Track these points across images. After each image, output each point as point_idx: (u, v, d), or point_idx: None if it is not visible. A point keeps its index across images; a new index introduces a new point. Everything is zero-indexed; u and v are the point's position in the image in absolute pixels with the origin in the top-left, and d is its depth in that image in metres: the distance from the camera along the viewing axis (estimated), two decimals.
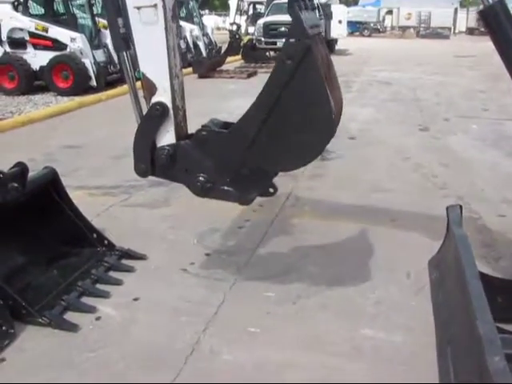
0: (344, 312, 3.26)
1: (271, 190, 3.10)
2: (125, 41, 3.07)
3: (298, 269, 3.78)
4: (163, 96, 2.99)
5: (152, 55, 2.93)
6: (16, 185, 3.43)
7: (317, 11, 21.56)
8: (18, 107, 10.70)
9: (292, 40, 2.64)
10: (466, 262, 3.00)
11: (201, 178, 3.07)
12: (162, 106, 2.99)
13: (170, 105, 3.00)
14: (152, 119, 3.06)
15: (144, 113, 3.17)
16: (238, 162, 3.01)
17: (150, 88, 3.00)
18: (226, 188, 3.09)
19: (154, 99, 3.01)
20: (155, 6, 2.82)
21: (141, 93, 3.25)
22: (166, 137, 3.07)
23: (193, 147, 3.04)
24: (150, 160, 3.15)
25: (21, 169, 3.50)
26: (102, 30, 13.27)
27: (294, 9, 2.60)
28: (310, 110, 2.76)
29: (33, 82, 12.47)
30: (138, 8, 2.84)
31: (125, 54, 3.11)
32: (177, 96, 3.03)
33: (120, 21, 3.05)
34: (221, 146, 3.01)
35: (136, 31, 2.92)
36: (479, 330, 2.37)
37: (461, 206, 3.80)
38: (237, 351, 2.87)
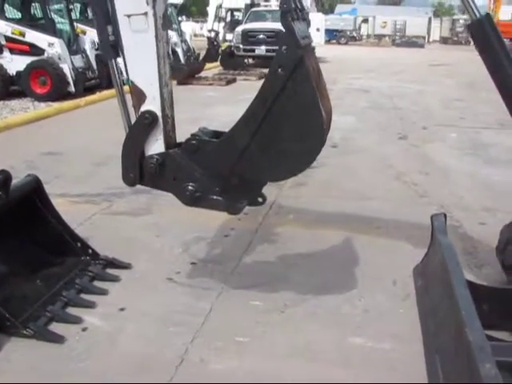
0: (332, 320, 3.27)
1: (260, 199, 3.10)
2: (113, 48, 3.04)
3: (284, 277, 3.78)
4: (152, 104, 2.97)
5: (142, 63, 2.91)
6: None
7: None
8: None
9: (284, 50, 2.64)
10: (453, 270, 3.03)
11: (190, 187, 3.05)
12: (151, 114, 2.97)
13: (159, 113, 2.98)
14: (141, 128, 3.04)
15: (132, 121, 3.15)
16: (227, 172, 3.00)
17: (139, 96, 2.98)
18: (215, 197, 3.08)
19: (144, 107, 2.99)
20: (145, 14, 2.80)
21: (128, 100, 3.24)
22: (155, 145, 3.05)
23: (182, 156, 3.03)
24: (138, 169, 3.12)
25: (4, 177, 3.43)
26: (80, 35, 13.19)
27: (287, 19, 2.61)
28: (301, 120, 2.77)
29: (9, 88, 12.29)
30: (129, 16, 2.82)
31: (113, 61, 3.08)
32: (166, 104, 3.01)
33: (109, 28, 3.02)
34: (211, 156, 3.00)
35: (126, 39, 2.90)
36: (469, 337, 2.40)
37: (445, 215, 3.86)
38: (226, 360, 2.86)
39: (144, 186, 3.34)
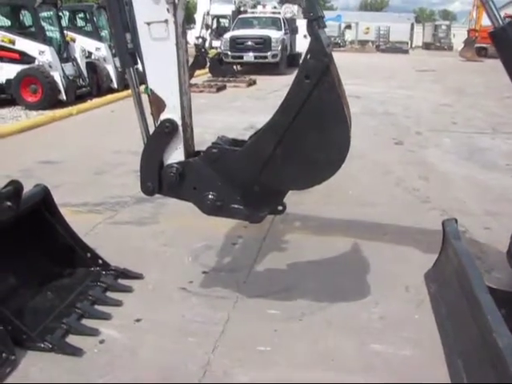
0: (350, 328, 3.26)
1: (280, 207, 3.09)
2: (132, 56, 3.01)
3: (297, 285, 3.76)
4: (172, 113, 2.94)
5: (162, 71, 2.89)
6: (10, 204, 3.31)
7: (282, 26, 21.84)
8: None
9: (310, 58, 2.64)
10: (472, 274, 3.05)
11: (210, 197, 3.02)
12: (171, 123, 2.94)
13: (179, 122, 2.96)
14: (160, 136, 3.01)
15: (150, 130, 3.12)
16: (249, 180, 2.98)
17: (159, 105, 2.95)
18: (236, 206, 3.06)
19: (163, 116, 2.96)
20: (166, 21, 2.78)
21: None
22: (175, 154, 3.02)
23: (202, 165, 3.00)
24: (157, 178, 3.09)
25: (15, 187, 3.38)
26: (71, 42, 13.11)
27: (314, 28, 2.60)
28: (327, 128, 2.76)
29: None
30: (148, 24, 2.80)
31: (131, 69, 3.05)
32: (186, 113, 2.99)
33: (128, 36, 2.99)
34: (233, 164, 2.97)
35: (145, 47, 2.87)
36: (498, 342, 2.41)
37: (456, 220, 3.88)
38: (251, 371, 2.83)
39: (163, 196, 3.30)
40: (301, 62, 2.76)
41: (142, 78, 3.03)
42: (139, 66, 3.05)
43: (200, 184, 3.05)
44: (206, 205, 3.06)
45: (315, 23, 2.61)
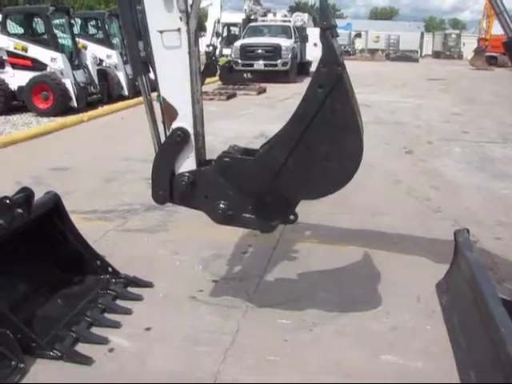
0: (361, 338, 3.23)
1: (292, 217, 3.07)
2: (144, 65, 3.02)
3: (308, 295, 3.74)
4: (184, 121, 2.94)
5: (174, 80, 2.89)
6: (21, 211, 3.32)
7: (292, 34, 21.89)
8: None
9: (323, 68, 2.63)
10: (485, 286, 3.02)
11: (222, 206, 3.01)
12: (183, 131, 2.94)
13: (191, 130, 2.95)
14: (172, 145, 3.01)
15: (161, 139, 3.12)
16: (261, 190, 2.97)
17: (171, 113, 2.95)
18: (247, 216, 3.04)
19: (175, 124, 2.96)
20: (179, 30, 2.78)
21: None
22: (186, 163, 3.01)
23: (214, 174, 2.99)
24: (169, 187, 3.08)
25: (26, 195, 3.39)
26: (82, 50, 13.21)
27: (327, 37, 2.60)
28: (340, 138, 2.75)
29: (11, 102, 12.27)
30: (161, 32, 2.81)
31: (144, 77, 3.06)
32: (198, 121, 2.99)
33: (140, 44, 3.00)
34: (244, 173, 2.96)
35: (158, 55, 2.88)
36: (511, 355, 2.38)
37: (468, 230, 3.85)
38: (261, 381, 2.81)
39: (174, 204, 3.29)
40: (314, 71, 2.75)
41: (154, 86, 3.04)
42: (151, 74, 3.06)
43: (211, 193, 3.04)
44: (218, 214, 3.05)
45: (328, 32, 2.60)
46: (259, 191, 2.98)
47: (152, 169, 3.13)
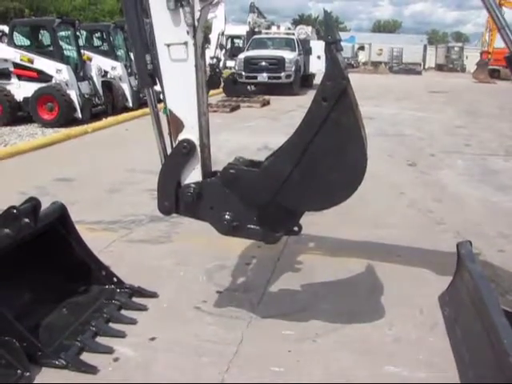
0: (365, 349, 3.24)
1: (296, 228, 3.10)
2: (151, 77, 3.06)
3: (311, 306, 3.76)
4: (191, 133, 2.99)
5: (181, 92, 2.94)
6: (28, 221, 3.35)
7: (296, 47, 22.02)
8: (3, 138, 10.59)
9: (328, 81, 2.67)
10: (488, 298, 3.03)
11: (227, 217, 3.05)
12: (189, 143, 2.98)
13: (197, 142, 3.00)
14: (179, 157, 3.05)
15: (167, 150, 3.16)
16: (266, 201, 3.00)
17: (177, 125, 2.99)
18: (252, 227, 3.08)
19: (181, 136, 3.00)
20: (186, 43, 2.83)
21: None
22: (192, 174, 3.06)
23: (220, 185, 3.03)
24: (174, 198, 3.12)
25: (33, 204, 3.42)
26: (87, 61, 13.31)
27: (332, 51, 2.64)
28: (344, 151, 2.79)
29: (16, 113, 12.37)
30: (168, 45, 2.86)
31: (150, 90, 3.10)
32: (204, 133, 3.03)
33: (148, 57, 3.05)
34: (250, 185, 3.00)
35: (165, 68, 2.93)
36: None
37: (470, 242, 3.87)
38: None
39: (180, 215, 3.32)
40: (318, 83, 2.79)
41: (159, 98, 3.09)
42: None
43: (217, 204, 3.07)
44: (223, 225, 3.08)
45: (333, 46, 2.65)
46: (264, 203, 3.01)
47: (158, 180, 3.17)
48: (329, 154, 2.81)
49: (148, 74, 3.05)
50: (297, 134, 2.85)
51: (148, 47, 3.01)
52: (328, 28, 2.71)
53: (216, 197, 3.06)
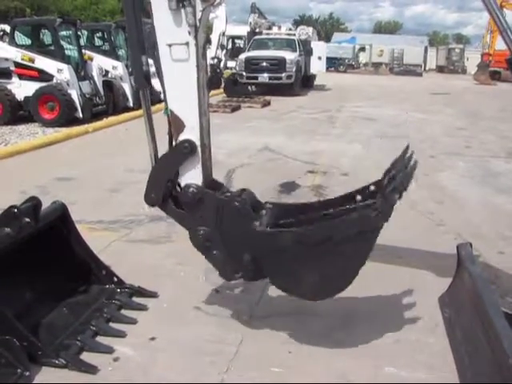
0: (364, 350, 3.24)
1: (256, 280, 3.27)
2: (146, 79, 3.08)
3: (311, 307, 3.73)
4: (191, 134, 2.99)
5: (182, 92, 2.94)
6: (29, 220, 3.36)
7: (297, 47, 22.02)
8: (3, 137, 10.59)
9: (373, 214, 2.87)
10: (488, 300, 3.03)
11: (202, 232, 3.12)
12: (190, 143, 2.98)
13: (197, 142, 3.00)
14: (179, 156, 3.05)
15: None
16: (246, 250, 3.07)
17: (178, 125, 3.00)
18: (218, 255, 3.17)
19: (182, 137, 3.01)
20: (187, 43, 2.83)
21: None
22: (193, 174, 3.06)
23: (220, 207, 3.07)
24: (162, 193, 3.16)
25: (33, 204, 3.43)
26: (88, 61, 13.32)
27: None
28: (349, 260, 2.98)
29: (17, 113, 12.37)
30: (170, 45, 2.86)
31: (145, 91, 3.12)
32: (204, 134, 3.03)
33: (143, 58, 3.06)
34: (246, 232, 3.05)
35: (166, 68, 2.93)
36: None
37: (471, 244, 3.87)
38: None
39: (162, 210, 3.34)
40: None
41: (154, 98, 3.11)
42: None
43: (205, 217, 3.10)
44: (197, 238, 3.16)
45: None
46: (244, 250, 3.09)
47: (151, 172, 3.21)
48: (335, 256, 2.94)
49: (143, 76, 3.06)
50: (320, 226, 2.97)
51: (144, 48, 3.03)
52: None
53: (209, 213, 3.09)
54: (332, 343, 3.32)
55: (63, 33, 13.23)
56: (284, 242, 2.97)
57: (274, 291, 3.98)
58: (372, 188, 3.32)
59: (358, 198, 3.33)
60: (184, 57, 2.86)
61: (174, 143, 3.08)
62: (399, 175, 3.05)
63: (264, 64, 20.27)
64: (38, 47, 12.92)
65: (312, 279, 3.04)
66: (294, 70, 20.40)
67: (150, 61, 3.22)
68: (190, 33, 2.83)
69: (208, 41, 20.88)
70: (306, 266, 3.01)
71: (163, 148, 3.28)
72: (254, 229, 3.03)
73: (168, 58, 2.90)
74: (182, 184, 3.11)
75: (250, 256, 3.08)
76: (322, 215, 3.31)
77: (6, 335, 2.90)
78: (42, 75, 12.27)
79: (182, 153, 3.01)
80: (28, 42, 13.02)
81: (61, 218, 3.80)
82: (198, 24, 2.86)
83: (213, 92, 18.86)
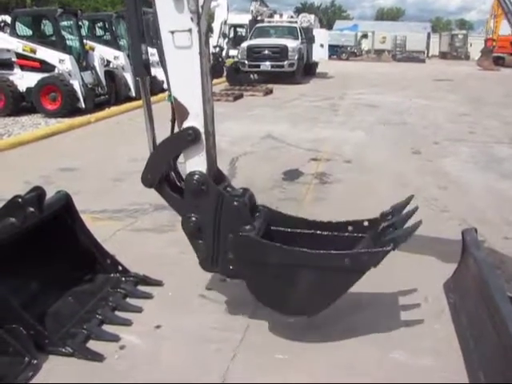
0: (370, 337, 3.25)
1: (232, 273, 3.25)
2: (146, 67, 3.07)
3: None
4: (195, 121, 2.97)
5: (185, 80, 2.92)
6: (33, 210, 3.36)
7: (299, 35, 21.90)
8: (6, 129, 10.58)
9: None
10: (494, 285, 3.03)
11: (194, 219, 3.14)
12: (194, 131, 2.97)
13: (202, 130, 2.99)
14: (181, 141, 3.05)
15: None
16: (231, 250, 3.13)
17: (182, 113, 2.98)
18: (202, 245, 3.20)
19: (186, 124, 2.99)
20: (190, 30, 2.81)
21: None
22: (198, 162, 3.05)
23: (221, 201, 3.10)
24: (159, 175, 3.21)
25: (37, 193, 3.43)
26: (90, 51, 13.28)
27: None
28: (318, 294, 3.09)
29: (19, 104, 12.35)
30: (172, 32, 2.84)
31: (145, 80, 3.12)
32: (209, 121, 3.02)
33: (143, 47, 3.05)
34: (235, 230, 3.08)
35: (169, 55, 2.91)
36: None
37: (475, 230, 3.86)
38: (270, 379, 2.83)
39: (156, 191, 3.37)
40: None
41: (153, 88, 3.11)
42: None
43: (201, 208, 3.12)
44: (188, 224, 3.18)
45: None
46: (229, 251, 3.14)
47: (151, 154, 3.25)
48: (314, 284, 3.03)
49: (143, 64, 3.05)
50: (310, 258, 2.97)
51: (144, 37, 3.02)
52: None
53: (207, 204, 3.10)
54: (338, 330, 3.32)
55: (64, 23, 13.16)
56: (267, 254, 3.03)
57: None
58: (365, 223, 3.41)
59: (350, 228, 3.44)
60: (187, 44, 2.84)
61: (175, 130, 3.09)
62: (400, 227, 3.22)
63: (266, 52, 20.17)
64: (40, 38, 12.86)
65: (284, 295, 3.12)
66: (296, 57, 20.30)
67: (151, 50, 3.22)
68: (192, 19, 2.81)
69: (210, 29, 20.80)
70: (281, 281, 3.06)
71: (163, 136, 3.29)
72: (243, 232, 3.08)
73: (171, 45, 2.87)
74: (187, 171, 3.10)
75: (232, 256, 3.14)
76: (311, 234, 3.45)
77: (13, 324, 2.91)
78: (44, 66, 12.22)
79: (185, 140, 3.00)
80: (29, 32, 12.95)
81: (65, 207, 3.80)
82: (200, 10, 2.83)
83: (215, 81, 18.77)
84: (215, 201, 3.10)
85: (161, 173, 3.22)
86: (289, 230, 3.46)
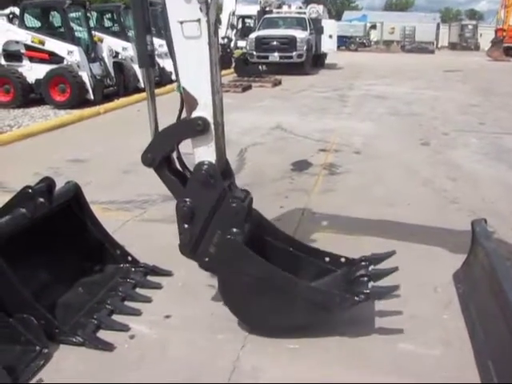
0: (379, 327, 3.25)
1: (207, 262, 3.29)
2: (151, 58, 3.07)
3: None
4: (204, 111, 2.97)
5: (194, 70, 2.91)
6: (43, 200, 3.38)
7: (308, 26, 21.80)
8: (16, 120, 10.62)
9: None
10: (503, 275, 3.02)
11: (189, 204, 3.14)
12: (203, 121, 2.97)
13: (211, 120, 2.98)
14: (190, 131, 3.05)
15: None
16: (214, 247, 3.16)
17: (191, 103, 2.98)
18: (188, 230, 3.20)
19: (195, 114, 2.99)
20: (199, 20, 2.80)
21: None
22: (207, 152, 3.05)
23: (222, 198, 3.12)
24: (160, 157, 3.23)
25: (47, 184, 3.45)
26: (98, 43, 13.29)
27: None
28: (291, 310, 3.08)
29: (29, 95, 12.39)
30: (181, 22, 2.83)
31: (149, 70, 3.13)
32: (218, 111, 3.02)
33: (148, 38, 3.05)
34: (224, 230, 3.11)
35: (178, 46, 2.90)
36: None
37: (485, 220, 3.84)
38: (280, 368, 2.85)
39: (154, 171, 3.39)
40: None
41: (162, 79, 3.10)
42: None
43: (199, 196, 3.13)
44: (182, 208, 3.17)
45: None
46: (212, 247, 3.18)
47: (155, 136, 3.28)
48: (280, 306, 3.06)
49: (147, 55, 3.05)
50: (285, 280, 3.04)
51: (150, 28, 3.02)
52: None
53: (207, 196, 3.12)
54: (347, 319, 3.31)
55: (73, 14, 13.16)
56: (247, 264, 3.05)
57: None
58: (342, 260, 3.51)
59: (327, 259, 3.52)
60: (196, 34, 2.83)
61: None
62: (375, 280, 3.25)
63: (274, 43, 20.11)
64: (48, 29, 12.85)
65: (249, 305, 3.15)
66: (304, 48, 20.22)
67: (160, 41, 3.23)
68: (201, 9, 2.80)
69: (218, 21, 20.78)
70: (251, 292, 3.09)
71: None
72: (231, 234, 3.10)
73: (180, 36, 2.87)
74: (196, 161, 3.10)
75: (213, 251, 3.18)
76: (289, 251, 3.51)
77: (24, 314, 2.93)
78: (53, 57, 12.23)
79: (194, 129, 3.00)
80: (38, 24, 12.96)
81: (75, 198, 3.82)
82: (209, 1, 2.82)
83: (223, 72, 18.75)
84: (217, 196, 3.12)
85: (162, 154, 3.23)
86: (270, 240, 3.52)
